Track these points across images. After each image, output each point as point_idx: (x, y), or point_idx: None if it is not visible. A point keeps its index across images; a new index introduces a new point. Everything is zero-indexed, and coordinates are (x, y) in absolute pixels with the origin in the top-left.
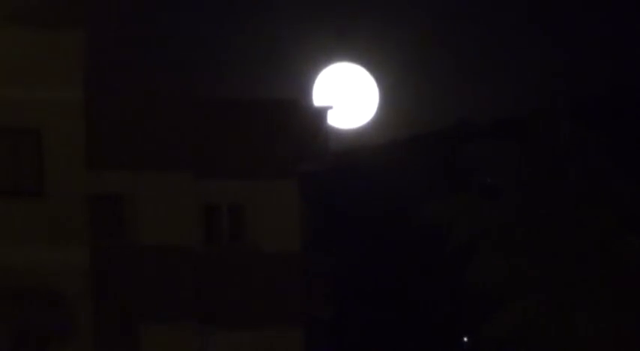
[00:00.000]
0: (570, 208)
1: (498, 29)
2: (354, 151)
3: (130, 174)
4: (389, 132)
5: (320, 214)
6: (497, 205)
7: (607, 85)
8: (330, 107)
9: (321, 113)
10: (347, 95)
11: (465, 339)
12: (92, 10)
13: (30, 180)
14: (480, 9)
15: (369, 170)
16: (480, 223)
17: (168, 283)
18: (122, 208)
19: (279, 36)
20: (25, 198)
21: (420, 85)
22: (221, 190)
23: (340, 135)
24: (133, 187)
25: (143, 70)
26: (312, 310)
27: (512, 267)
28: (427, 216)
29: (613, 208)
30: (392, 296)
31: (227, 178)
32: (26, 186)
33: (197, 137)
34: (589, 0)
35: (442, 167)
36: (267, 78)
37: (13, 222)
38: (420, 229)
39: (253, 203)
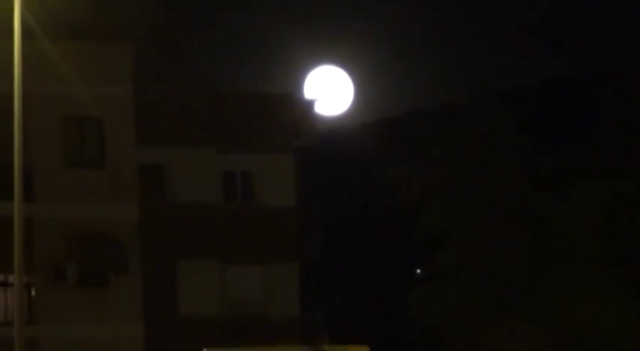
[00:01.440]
0: (496, 174)
1: (446, 35)
2: (335, 132)
3: (168, 149)
4: (361, 117)
5: (310, 178)
6: (441, 171)
7: (534, 77)
8: (317, 99)
9: (310, 103)
10: (329, 90)
11: (418, 271)
12: (137, 29)
13: (94, 154)
14: (433, 18)
15: (347, 146)
16: (430, 184)
17: (197, 231)
18: (163, 174)
19: (280, 47)
20: (90, 167)
21: (384, 81)
22: (236, 161)
23: (324, 119)
24: (171, 159)
25: (178, 70)
26: (305, 249)
27: (452, 217)
28: (390, 178)
29: (528, 174)
30: (364, 238)
31: (240, 152)
32: (91, 158)
33: (218, 122)
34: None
35: (401, 143)
36: (270, 77)
37: (81, 185)
38: (384, 187)
39: (260, 170)
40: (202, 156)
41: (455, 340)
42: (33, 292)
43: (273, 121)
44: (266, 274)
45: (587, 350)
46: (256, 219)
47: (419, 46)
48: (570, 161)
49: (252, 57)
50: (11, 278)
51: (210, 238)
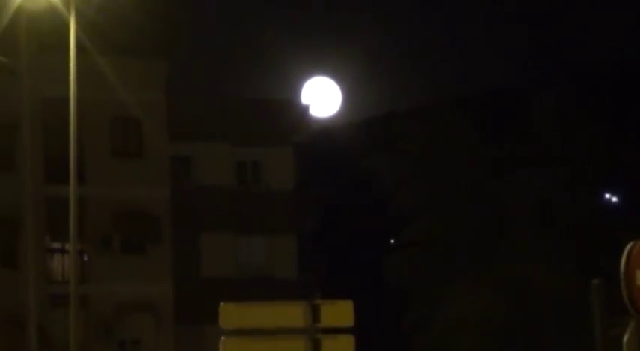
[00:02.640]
0: (455, 163)
1: (416, 52)
2: (326, 130)
3: (193, 143)
4: (347, 118)
5: (306, 166)
6: (411, 161)
7: (488, 84)
8: (311, 103)
9: (306, 107)
10: (321, 96)
11: (392, 241)
12: (168, 46)
13: (135, 147)
14: (406, 38)
15: (335, 141)
16: (401, 171)
17: (215, 208)
18: (189, 163)
19: (281, 61)
20: (131, 157)
21: (367, 89)
22: (247, 153)
23: (318, 120)
24: (195, 151)
25: (200, 80)
26: (301, 223)
27: (418, 197)
28: (370, 167)
29: (480, 163)
30: (349, 214)
31: (250, 146)
32: (132, 150)
33: (233, 121)
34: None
35: (379, 138)
36: (274, 86)
37: (124, 172)
38: (365, 175)
39: (266, 160)
40: (220, 149)
41: (420, 298)
42: (85, 257)
43: (276, 121)
44: (270, 243)
45: (528, 306)
46: (263, 199)
47: (394, 61)
48: (515, 153)
49: (258, 69)
50: (68, 246)
51: (226, 214)
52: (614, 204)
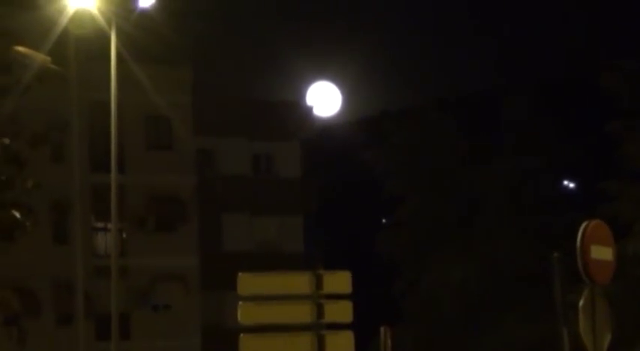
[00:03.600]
0: (436, 154)
1: (405, 60)
2: (328, 127)
3: (215, 138)
4: (346, 117)
5: (311, 158)
6: (401, 153)
7: (465, 88)
8: (315, 105)
9: (310, 108)
10: (324, 98)
11: (384, 220)
12: (193, 54)
13: (165, 141)
14: (399, 46)
15: (336, 137)
16: (392, 162)
17: (234, 193)
18: (211, 155)
19: (288, 67)
20: (163, 150)
21: (363, 92)
22: (261, 147)
23: (320, 119)
24: (217, 145)
25: (220, 84)
26: (307, 206)
27: (406, 183)
28: (367, 159)
29: (457, 154)
30: (348, 198)
31: (264, 141)
32: (164, 144)
33: (248, 120)
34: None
35: (375, 135)
36: (282, 90)
37: (157, 162)
38: (362, 165)
39: (277, 153)
40: (238, 143)
41: (408, 269)
42: (124, 235)
43: (285, 120)
44: (281, 222)
45: (498, 275)
46: (274, 186)
47: (388, 67)
48: (488, 146)
49: (269, 75)
50: (109, 225)
51: (243, 198)
52: (571, 189)
